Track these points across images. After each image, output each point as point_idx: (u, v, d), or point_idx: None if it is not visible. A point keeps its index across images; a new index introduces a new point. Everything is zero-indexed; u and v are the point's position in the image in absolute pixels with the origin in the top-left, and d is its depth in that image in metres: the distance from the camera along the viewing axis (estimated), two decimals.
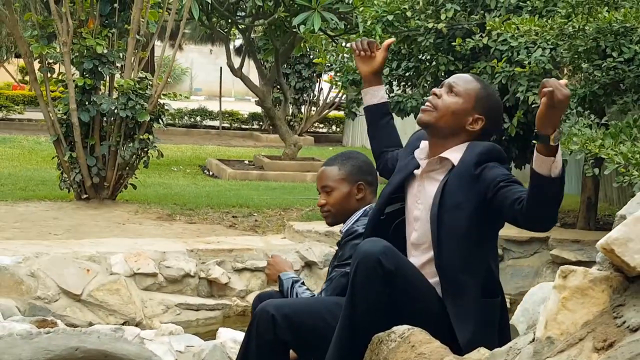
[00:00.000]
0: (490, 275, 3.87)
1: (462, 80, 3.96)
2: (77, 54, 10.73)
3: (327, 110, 24.26)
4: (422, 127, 3.97)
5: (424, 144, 3.99)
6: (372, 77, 4.34)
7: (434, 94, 3.92)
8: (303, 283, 4.60)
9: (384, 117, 4.39)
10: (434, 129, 3.89)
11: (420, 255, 3.87)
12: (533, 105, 8.17)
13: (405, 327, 3.58)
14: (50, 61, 11.16)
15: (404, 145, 4.22)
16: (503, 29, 8.03)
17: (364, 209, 4.50)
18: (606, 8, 7.44)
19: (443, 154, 3.87)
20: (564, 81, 3.38)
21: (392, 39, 4.45)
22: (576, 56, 7.77)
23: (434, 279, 3.82)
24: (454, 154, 3.84)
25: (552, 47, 8.00)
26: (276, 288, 4.74)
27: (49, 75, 11.13)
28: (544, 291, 2.78)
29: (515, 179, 3.68)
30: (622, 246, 2.30)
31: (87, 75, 10.82)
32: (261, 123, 27.45)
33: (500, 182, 3.65)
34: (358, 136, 24.59)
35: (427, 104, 3.92)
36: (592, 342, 2.30)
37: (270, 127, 22.60)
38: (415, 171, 3.97)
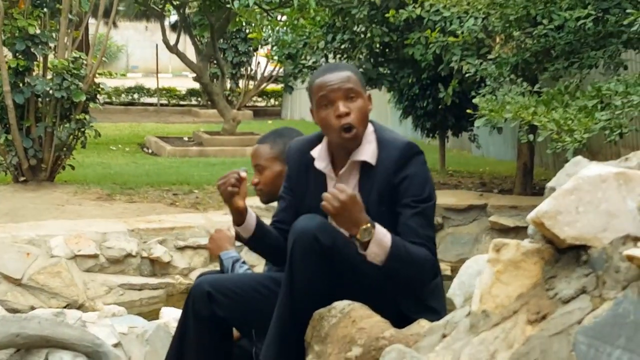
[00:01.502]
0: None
1: (342, 79, 3.75)
2: (9, 35, 10.59)
3: (265, 84, 24.18)
4: (350, 147, 3.77)
5: (318, 152, 3.86)
6: (242, 210, 3.89)
7: (345, 115, 3.68)
8: (244, 262, 4.59)
9: (266, 236, 4.00)
10: (358, 140, 3.76)
11: None
12: (467, 75, 8.24)
13: (346, 302, 3.59)
14: None
15: (291, 172, 3.99)
16: None
17: None
18: None
19: (358, 158, 3.76)
20: (340, 186, 3.47)
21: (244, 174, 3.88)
22: (507, 25, 7.84)
23: None
24: (367, 152, 3.75)
25: (483, 16, 8.06)
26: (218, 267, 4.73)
27: None
28: (479, 264, 2.81)
29: (421, 209, 3.63)
30: (551, 219, 2.33)
31: (19, 57, 10.71)
32: (199, 99, 27.32)
33: (406, 205, 3.64)
34: (297, 109, 24.58)
35: (347, 127, 3.69)
36: (526, 314, 2.34)
37: (209, 103, 22.48)
38: (329, 183, 3.83)
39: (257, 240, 3.99)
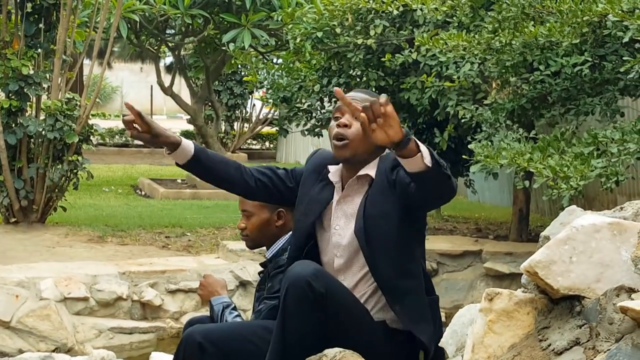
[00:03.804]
0: (426, 274, 3.91)
1: (362, 100, 3.74)
2: (2, 75, 10.56)
3: (259, 127, 24.19)
4: (342, 162, 3.89)
5: (334, 169, 3.95)
6: (164, 140, 3.87)
7: (343, 125, 3.80)
8: (235, 308, 4.54)
9: (208, 159, 3.99)
10: (353, 159, 3.83)
11: (349, 278, 3.83)
12: (463, 120, 8.21)
13: (337, 350, 3.57)
14: None
15: (306, 170, 4.07)
16: (432, 44, 8.08)
17: (289, 234, 4.41)
18: (532, 23, 7.51)
19: (360, 172, 3.84)
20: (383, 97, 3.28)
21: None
22: (504, 70, 7.83)
23: (364, 297, 3.79)
24: (371, 170, 3.83)
25: (480, 61, 8.05)
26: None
27: None
28: (472, 313, 2.76)
29: None
30: (545, 269, 2.29)
31: (12, 97, 10.67)
32: (194, 141, 27.32)
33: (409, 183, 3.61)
34: (292, 152, 24.57)
35: (339, 137, 3.80)
36: None
37: (203, 145, 22.49)
38: (335, 197, 3.92)
39: (202, 157, 3.96)
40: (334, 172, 3.94)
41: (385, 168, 3.77)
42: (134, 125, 3.80)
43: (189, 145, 3.93)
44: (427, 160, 3.32)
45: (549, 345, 2.26)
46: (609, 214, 2.48)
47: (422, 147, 3.34)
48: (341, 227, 3.86)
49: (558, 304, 2.33)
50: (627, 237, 2.27)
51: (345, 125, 3.80)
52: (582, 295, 2.26)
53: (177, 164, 3.99)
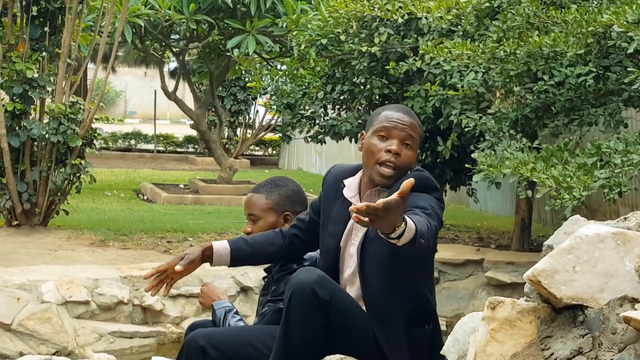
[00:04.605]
0: (421, 302, 3.83)
1: (412, 125, 3.84)
2: (7, 78, 10.56)
3: (263, 133, 24.19)
4: (381, 184, 3.80)
5: (350, 182, 3.94)
6: (205, 257, 4.10)
7: (396, 153, 3.77)
8: (237, 312, 4.53)
9: (249, 250, 4.14)
10: (389, 183, 3.80)
11: (354, 290, 3.82)
12: (466, 129, 8.21)
13: (338, 356, 3.56)
14: None
15: (324, 192, 4.06)
16: (436, 52, 8.09)
17: None
18: (536, 32, 7.51)
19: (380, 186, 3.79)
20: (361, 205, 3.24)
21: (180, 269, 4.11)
22: (508, 80, 7.82)
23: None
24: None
25: (484, 70, 8.05)
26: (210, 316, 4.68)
27: None
28: (474, 321, 2.76)
29: (428, 212, 3.57)
30: (548, 278, 2.29)
31: (17, 100, 10.67)
32: (196, 146, 27.32)
33: (408, 210, 3.55)
34: (294, 159, 24.56)
35: (390, 163, 3.77)
36: None
37: (206, 150, 22.48)
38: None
39: (237, 264, 4.19)
40: (349, 185, 3.94)
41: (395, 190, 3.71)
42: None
43: (222, 246, 4.08)
44: (400, 244, 3.30)
45: (552, 354, 2.26)
46: (612, 224, 2.48)
47: (403, 239, 3.28)
48: (357, 238, 3.85)
49: (561, 313, 2.33)
50: (631, 247, 2.27)
51: (398, 154, 3.78)
52: (585, 304, 2.26)
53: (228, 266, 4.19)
